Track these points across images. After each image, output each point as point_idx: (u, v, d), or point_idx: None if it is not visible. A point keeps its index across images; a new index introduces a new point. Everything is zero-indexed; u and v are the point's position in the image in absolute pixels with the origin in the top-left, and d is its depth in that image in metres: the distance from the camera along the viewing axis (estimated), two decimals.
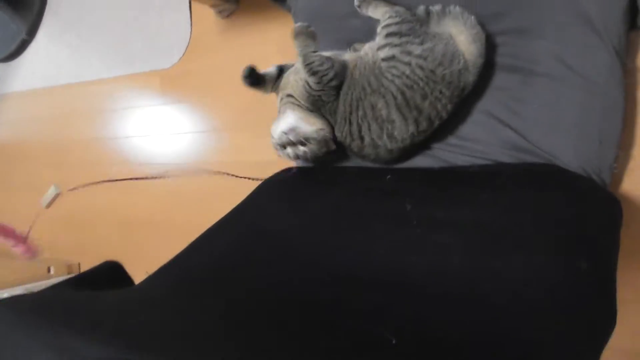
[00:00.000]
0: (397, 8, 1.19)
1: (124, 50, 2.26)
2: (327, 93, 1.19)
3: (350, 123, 1.19)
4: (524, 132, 1.14)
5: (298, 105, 1.23)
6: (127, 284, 1.08)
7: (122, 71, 2.27)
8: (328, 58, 1.18)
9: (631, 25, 1.10)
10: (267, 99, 1.80)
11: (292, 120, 1.20)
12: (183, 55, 2.06)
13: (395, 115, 1.13)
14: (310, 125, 1.19)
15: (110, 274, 1.09)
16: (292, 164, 1.46)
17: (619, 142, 1.10)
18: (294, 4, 1.45)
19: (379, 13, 1.22)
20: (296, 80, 1.24)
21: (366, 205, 1.06)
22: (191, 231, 1.94)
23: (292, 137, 1.18)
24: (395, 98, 1.13)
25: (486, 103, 1.18)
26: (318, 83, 1.17)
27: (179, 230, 2.13)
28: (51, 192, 2.58)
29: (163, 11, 2.10)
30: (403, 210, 1.02)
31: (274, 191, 1.22)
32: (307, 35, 1.21)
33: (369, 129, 1.17)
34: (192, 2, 2.01)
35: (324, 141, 1.19)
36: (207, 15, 1.94)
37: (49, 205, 2.62)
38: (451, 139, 1.22)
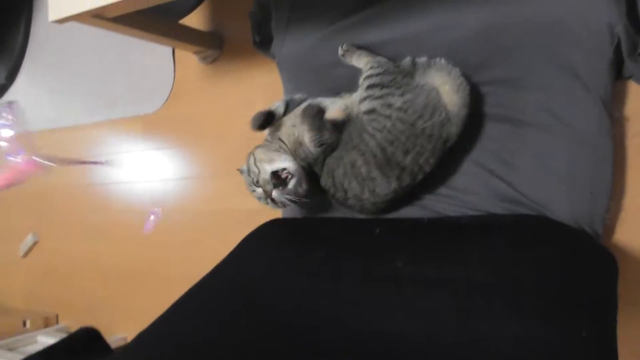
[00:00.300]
0: (379, 58, 1.19)
1: (105, 96, 2.23)
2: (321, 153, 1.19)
3: (333, 177, 1.17)
4: (515, 183, 1.13)
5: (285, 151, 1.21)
6: (105, 352, 1.02)
7: (104, 117, 2.23)
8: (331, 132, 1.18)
9: (617, 76, 1.10)
10: (251, 145, 1.78)
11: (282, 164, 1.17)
12: (166, 101, 2.03)
13: (375, 173, 1.12)
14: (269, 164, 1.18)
15: (87, 342, 1.03)
16: (278, 212, 1.43)
17: (610, 193, 1.08)
18: (278, 52, 1.44)
19: (362, 63, 1.22)
20: (289, 134, 1.22)
21: (355, 265, 1.02)
22: (175, 281, 1.87)
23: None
24: (374, 155, 1.11)
25: (476, 153, 1.17)
26: (317, 147, 1.17)
27: (162, 281, 2.09)
28: (29, 240, 2.50)
29: (146, 57, 2.08)
30: (394, 268, 0.98)
31: (257, 249, 1.18)
32: (314, 114, 1.18)
33: (350, 185, 1.15)
34: (175, 49, 2.00)
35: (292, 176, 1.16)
36: (191, 61, 1.92)
37: (26, 254, 2.53)
38: (442, 189, 1.20)
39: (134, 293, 2.20)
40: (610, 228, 1.16)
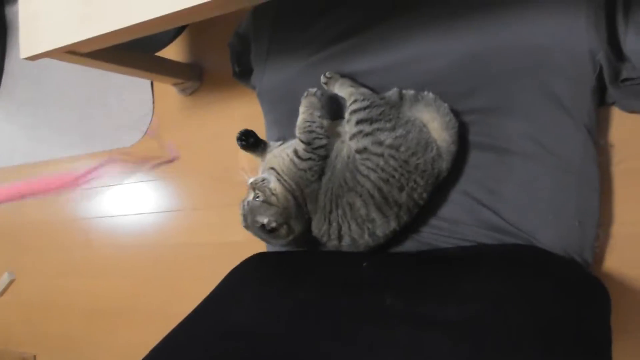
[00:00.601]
0: (363, 90, 1.17)
1: (83, 129, 2.18)
2: (313, 167, 1.16)
3: (329, 223, 1.15)
4: (502, 212, 1.12)
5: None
6: None
7: (81, 150, 2.18)
8: (324, 128, 1.17)
9: (600, 102, 1.09)
10: (232, 177, 1.75)
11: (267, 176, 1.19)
12: (145, 133, 1.99)
13: (375, 214, 1.10)
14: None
15: None
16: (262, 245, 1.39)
17: (598, 221, 1.07)
18: (259, 83, 1.42)
19: (345, 92, 1.20)
20: (282, 156, 1.20)
21: (342, 304, 0.98)
22: (157, 318, 1.82)
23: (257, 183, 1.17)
24: (372, 197, 1.09)
25: (463, 182, 1.16)
26: (308, 145, 1.15)
27: (144, 317, 2.01)
28: (5, 278, 2.42)
29: (124, 89, 2.05)
30: (382, 305, 0.94)
31: (241, 288, 1.13)
32: (317, 99, 1.20)
33: (349, 229, 1.13)
34: (154, 82, 1.97)
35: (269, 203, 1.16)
36: (170, 92, 1.89)
37: (2, 292, 2.44)
38: (431, 220, 1.19)
39: (115, 330, 2.12)
40: (599, 256, 1.14)
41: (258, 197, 1.15)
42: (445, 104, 1.12)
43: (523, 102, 1.10)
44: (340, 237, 1.14)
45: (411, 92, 1.15)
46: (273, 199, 1.14)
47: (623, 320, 0.96)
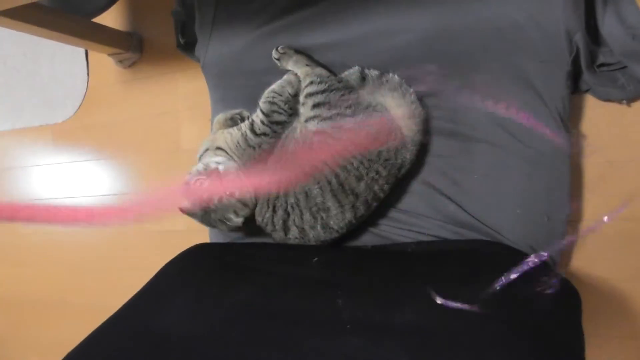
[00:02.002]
0: (319, 70, 1.07)
1: (8, 102, 1.97)
2: (263, 145, 1.07)
3: (274, 210, 1.04)
4: (466, 204, 1.04)
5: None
6: None
7: (8, 125, 1.97)
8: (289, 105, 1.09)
9: (573, 89, 1.01)
10: (173, 160, 1.61)
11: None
12: (79, 108, 1.81)
13: (330, 202, 1.01)
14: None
15: None
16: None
17: (567, 217, 1.00)
18: (203, 56, 1.28)
19: (300, 71, 1.10)
20: (231, 132, 1.11)
21: (288, 304, 0.87)
22: (91, 313, 1.66)
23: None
24: (329, 183, 1.01)
25: (424, 172, 1.08)
26: (266, 117, 1.07)
27: (77, 312, 1.88)
28: None
29: (55, 59, 1.85)
30: (334, 307, 0.84)
31: (175, 284, 1.01)
32: (297, 80, 1.11)
33: (301, 218, 1.04)
34: (89, 51, 1.78)
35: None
36: (106, 64, 1.72)
37: None
38: (388, 212, 1.10)
39: (42, 324, 1.97)
40: (567, 254, 1.07)
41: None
42: (411, 89, 1.03)
43: (492, 85, 1.00)
44: (286, 229, 1.04)
45: (375, 72, 1.06)
46: (248, 196, 1.05)
47: (591, 323, 0.89)
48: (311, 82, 1.05)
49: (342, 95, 1.01)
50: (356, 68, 1.07)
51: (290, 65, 1.12)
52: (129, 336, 0.88)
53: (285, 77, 1.12)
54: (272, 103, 1.08)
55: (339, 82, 1.04)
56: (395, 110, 1.02)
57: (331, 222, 1.02)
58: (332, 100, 1.01)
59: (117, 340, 0.87)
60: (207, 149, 1.13)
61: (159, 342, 0.84)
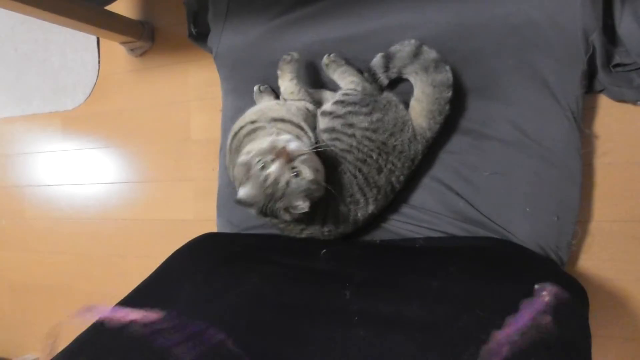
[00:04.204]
0: (366, 85, 1.05)
1: (19, 89, 1.98)
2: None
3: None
4: (475, 202, 1.03)
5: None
6: None
7: (18, 111, 1.98)
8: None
9: (588, 89, 1.00)
10: (182, 150, 1.61)
11: (296, 141, 0.94)
12: (89, 96, 1.81)
13: (358, 195, 1.01)
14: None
15: None
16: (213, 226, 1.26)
17: (577, 217, 0.99)
18: (216, 46, 1.28)
19: (345, 81, 1.07)
20: (298, 106, 1.05)
21: (296, 295, 0.87)
22: (97, 299, 1.67)
23: (293, 147, 0.91)
24: (355, 177, 1.00)
25: (435, 168, 1.08)
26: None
27: (83, 299, 1.89)
28: None
29: (67, 47, 1.85)
30: (341, 299, 0.84)
31: (185, 271, 1.01)
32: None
33: (338, 209, 1.02)
34: (100, 39, 1.78)
35: (317, 186, 0.94)
36: (118, 53, 1.72)
37: None
38: (399, 207, 1.09)
39: (49, 310, 1.98)
40: (575, 254, 1.07)
41: (297, 174, 0.91)
42: (446, 97, 1.00)
43: (507, 82, 1.01)
44: (324, 221, 1.03)
45: (433, 54, 1.01)
46: (319, 175, 0.94)
47: (598, 322, 0.89)
48: (354, 89, 1.04)
49: (363, 98, 1.01)
50: (413, 41, 1.02)
51: (337, 74, 1.08)
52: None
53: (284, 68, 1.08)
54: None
55: (375, 101, 1.02)
56: (415, 102, 1.02)
57: (359, 214, 1.02)
58: (352, 101, 1.01)
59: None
60: (253, 122, 1.04)
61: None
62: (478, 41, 1.01)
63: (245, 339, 0.78)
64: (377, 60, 1.04)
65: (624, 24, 0.94)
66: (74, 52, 1.84)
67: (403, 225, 1.08)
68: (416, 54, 1.00)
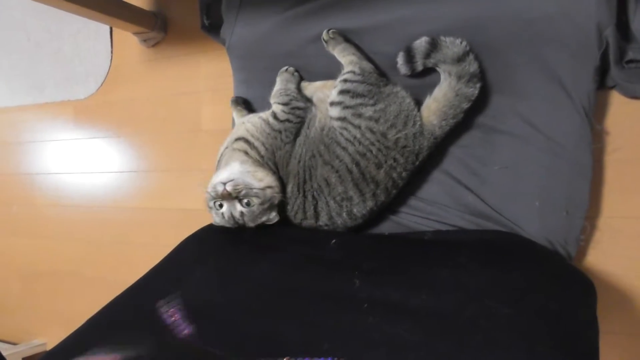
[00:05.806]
0: (365, 65, 1.06)
1: (32, 77, 1.99)
2: (288, 129, 1.08)
3: (304, 195, 1.04)
4: (485, 195, 1.04)
5: (247, 157, 1.07)
6: None
7: (30, 100, 2.00)
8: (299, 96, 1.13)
9: (600, 85, 1.01)
10: (193, 140, 1.62)
11: (237, 171, 1.03)
12: (101, 85, 1.83)
13: (352, 192, 1.01)
14: (257, 181, 1.02)
15: None
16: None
17: (586, 212, 0.99)
18: (229, 37, 1.29)
19: (345, 59, 1.10)
20: (253, 121, 1.12)
21: (306, 281, 0.88)
22: (104, 287, 1.69)
23: (230, 189, 0.99)
24: (350, 172, 1.01)
25: (444, 161, 1.08)
26: (286, 105, 1.10)
27: (90, 285, 1.91)
28: None
29: (79, 36, 1.87)
30: (351, 287, 0.84)
31: (194, 258, 1.02)
32: (291, 75, 1.16)
33: (327, 205, 1.04)
34: (113, 29, 1.80)
35: (270, 202, 1.02)
36: (130, 43, 1.73)
37: None
38: (408, 200, 1.10)
39: (57, 295, 2.00)
40: (582, 249, 1.07)
41: (249, 203, 1.00)
42: (464, 108, 1.00)
43: (518, 77, 1.01)
44: (317, 215, 1.04)
45: (474, 67, 1.00)
46: (268, 192, 1.02)
47: (606, 318, 0.89)
48: (351, 71, 1.05)
49: (371, 89, 1.01)
50: (464, 44, 1.01)
51: (336, 51, 1.11)
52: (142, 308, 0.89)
53: (278, 77, 1.16)
54: (286, 95, 1.11)
55: (378, 80, 1.04)
56: (429, 100, 1.02)
57: (355, 210, 1.02)
58: (359, 91, 1.01)
59: (139, 306, 0.89)
60: (225, 147, 1.13)
61: None
62: (491, 35, 1.01)
63: (255, 321, 0.80)
64: (420, 45, 1.02)
65: (638, 21, 0.94)
66: (86, 41, 1.86)
67: (412, 217, 1.08)
68: (460, 59, 0.99)
